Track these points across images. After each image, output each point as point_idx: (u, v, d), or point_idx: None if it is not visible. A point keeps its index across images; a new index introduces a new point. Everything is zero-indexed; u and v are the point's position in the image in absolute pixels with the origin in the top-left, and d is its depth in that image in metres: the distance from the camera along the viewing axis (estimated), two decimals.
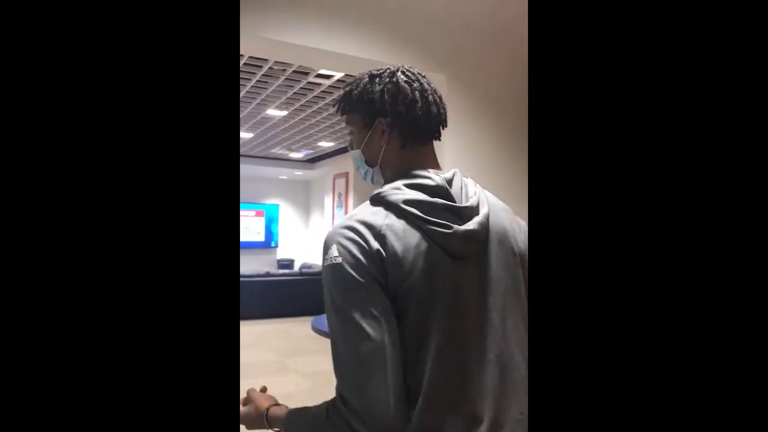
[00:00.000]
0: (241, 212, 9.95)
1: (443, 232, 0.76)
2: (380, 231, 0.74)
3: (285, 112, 5.46)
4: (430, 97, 0.86)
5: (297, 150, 7.86)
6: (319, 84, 4.37)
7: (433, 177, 0.81)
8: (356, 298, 0.72)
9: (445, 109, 0.89)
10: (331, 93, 4.65)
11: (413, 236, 0.75)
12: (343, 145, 7.32)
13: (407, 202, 0.77)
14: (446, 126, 0.89)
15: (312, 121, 5.82)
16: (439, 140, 0.89)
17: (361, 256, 0.73)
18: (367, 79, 0.86)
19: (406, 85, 0.84)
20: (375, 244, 0.73)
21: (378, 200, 0.80)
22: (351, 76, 4.00)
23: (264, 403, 0.88)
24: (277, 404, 0.87)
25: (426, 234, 0.76)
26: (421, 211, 0.76)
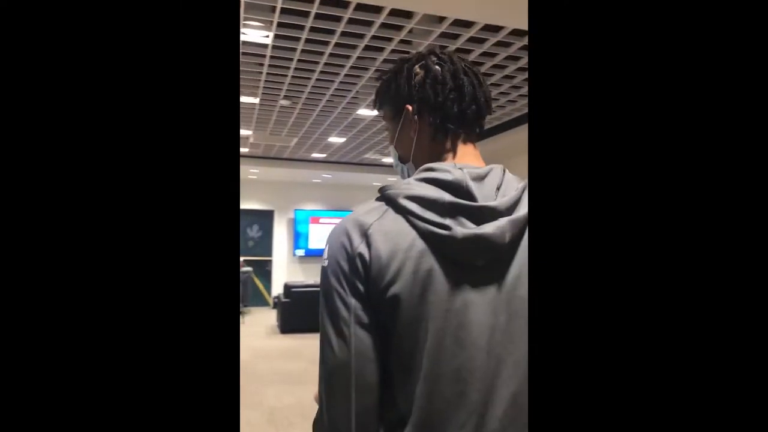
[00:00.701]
0: (338, 221, 9.83)
1: (438, 233, 0.65)
2: (368, 230, 0.67)
3: (376, 112, 5.11)
4: (465, 80, 0.76)
5: (389, 154, 7.52)
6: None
7: (452, 171, 0.70)
8: (331, 307, 0.67)
9: (487, 96, 0.78)
10: None
11: (406, 237, 0.66)
12: None
13: (408, 197, 0.68)
14: (488, 114, 0.79)
15: None
16: (479, 132, 0.79)
17: (342, 261, 0.67)
18: (396, 66, 0.81)
19: (436, 67, 0.77)
20: (359, 247, 0.66)
21: (381, 194, 0.72)
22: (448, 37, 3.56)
23: None
24: None
25: (422, 235, 0.66)
26: (422, 207, 0.67)
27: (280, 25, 3.04)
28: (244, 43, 3.34)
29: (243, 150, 7.29)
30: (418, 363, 0.64)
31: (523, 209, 0.69)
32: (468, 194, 0.68)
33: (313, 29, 3.10)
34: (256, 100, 4.69)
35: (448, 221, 0.65)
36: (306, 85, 4.22)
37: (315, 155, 7.67)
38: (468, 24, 3.01)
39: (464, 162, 0.75)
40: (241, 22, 2.99)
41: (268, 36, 3.20)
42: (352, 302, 0.66)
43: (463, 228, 0.65)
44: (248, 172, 8.58)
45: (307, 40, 3.27)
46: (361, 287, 0.66)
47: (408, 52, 3.47)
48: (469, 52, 3.42)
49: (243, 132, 6.08)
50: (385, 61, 3.63)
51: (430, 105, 0.75)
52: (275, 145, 6.89)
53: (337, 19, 2.96)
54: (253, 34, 3.18)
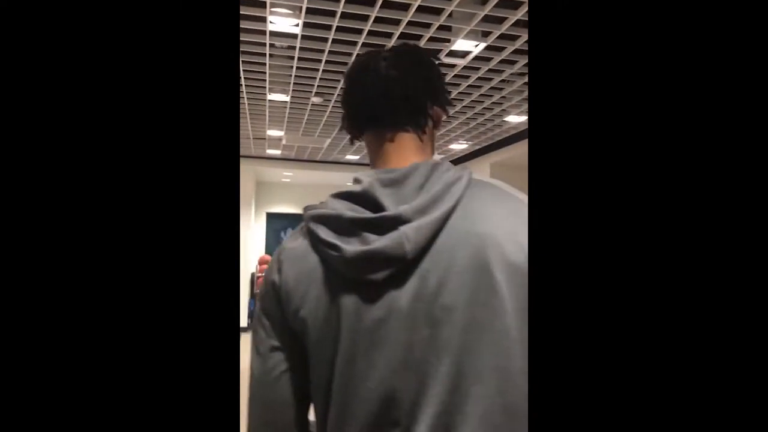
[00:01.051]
0: None
1: (331, 254, 0.63)
2: (281, 256, 0.70)
3: None
4: (367, 76, 0.72)
5: None
6: (452, 66, 3.67)
7: (363, 180, 0.66)
8: (256, 329, 0.71)
9: (398, 93, 0.71)
10: (467, 77, 3.92)
11: (310, 261, 0.66)
12: (477, 147, 6.56)
13: (314, 217, 0.66)
14: (408, 108, 0.72)
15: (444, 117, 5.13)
16: (400, 126, 0.72)
17: (265, 285, 0.71)
18: None
19: (352, 67, 0.75)
20: (274, 273, 0.69)
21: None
22: (495, 48, 3.31)
23: None
24: None
25: (321, 258, 0.65)
26: (326, 227, 0.65)
27: (309, 11, 2.82)
28: (272, 33, 3.14)
29: (275, 152, 7.16)
30: (329, 386, 0.65)
31: (444, 206, 0.63)
32: (375, 204, 0.64)
33: (344, 15, 2.87)
34: (287, 98, 4.51)
35: (342, 240, 0.63)
36: (338, 80, 4.01)
37: (349, 157, 7.48)
38: (516, 5, 2.72)
39: (388, 164, 0.71)
40: (268, 9, 2.79)
41: (297, 25, 2.99)
42: (267, 324, 0.69)
43: (354, 246, 0.62)
44: (281, 175, 8.47)
45: (339, 28, 3.04)
46: (277, 311, 0.68)
47: (448, 40, 3.21)
48: (515, 38, 3.13)
49: (275, 133, 5.92)
50: None
51: (343, 107, 0.76)
52: (308, 147, 6.73)
53: (371, 2, 2.72)
54: (282, 22, 2.97)
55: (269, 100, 4.61)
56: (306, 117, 5.16)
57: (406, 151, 0.72)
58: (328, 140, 6.22)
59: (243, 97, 4.55)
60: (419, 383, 0.60)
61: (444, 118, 0.77)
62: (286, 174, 8.37)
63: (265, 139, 6.25)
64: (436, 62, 0.76)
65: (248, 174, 7.50)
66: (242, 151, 7.16)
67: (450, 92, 0.78)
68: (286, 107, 4.84)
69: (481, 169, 6.73)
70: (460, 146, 6.50)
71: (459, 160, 7.44)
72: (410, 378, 0.61)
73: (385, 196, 0.64)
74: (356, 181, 0.68)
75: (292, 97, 4.47)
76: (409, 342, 0.61)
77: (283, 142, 6.30)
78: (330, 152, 7.09)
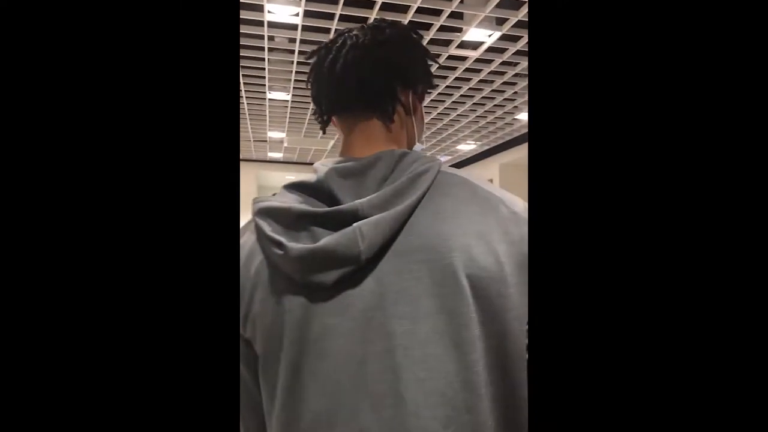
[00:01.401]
0: None
1: (277, 253, 0.57)
2: None
3: None
4: (329, 58, 0.65)
5: None
6: (463, 58, 3.44)
7: (319, 170, 0.61)
8: None
9: (366, 74, 0.63)
10: (478, 72, 3.69)
11: (255, 259, 0.60)
12: (486, 147, 6.33)
13: (260, 211, 0.60)
14: (357, 96, 0.65)
15: (452, 116, 4.91)
16: (362, 113, 0.65)
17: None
18: None
19: (317, 48, 0.70)
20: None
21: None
22: (510, 38, 3.08)
23: None
24: None
25: (266, 256, 0.59)
26: (274, 221, 0.59)
27: None
28: (271, 24, 2.92)
29: (277, 155, 6.95)
30: (274, 401, 0.59)
31: (407, 201, 0.56)
32: (330, 197, 0.59)
33: (348, 2, 2.65)
34: (288, 96, 4.30)
35: (289, 237, 0.57)
36: None
37: None
38: None
39: (353, 155, 0.64)
40: None
41: (297, 14, 2.77)
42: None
43: (302, 243, 0.56)
44: (284, 178, 8.28)
45: (342, 17, 2.83)
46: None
47: (459, 30, 2.98)
48: None
49: (276, 134, 5.72)
50: (432, 42, 3.14)
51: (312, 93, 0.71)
52: (311, 149, 6.52)
53: None
54: (281, 11, 2.75)
55: (269, 99, 4.40)
56: (308, 117, 4.95)
57: (372, 141, 0.65)
58: (332, 141, 6.01)
59: (242, 96, 4.33)
60: (373, 402, 0.55)
61: (420, 103, 0.69)
62: (289, 178, 8.19)
63: (266, 141, 6.04)
64: (419, 39, 0.67)
65: (250, 178, 7.30)
66: (243, 155, 6.95)
67: (433, 75, 0.70)
68: (287, 106, 4.63)
69: (490, 170, 6.50)
70: (468, 146, 6.27)
71: (467, 161, 7.21)
72: (361, 395, 0.55)
73: (341, 189, 0.59)
74: (314, 171, 0.62)
75: (293, 95, 4.26)
76: (361, 356, 0.55)
77: (285, 144, 6.09)
78: (333, 154, 6.89)
